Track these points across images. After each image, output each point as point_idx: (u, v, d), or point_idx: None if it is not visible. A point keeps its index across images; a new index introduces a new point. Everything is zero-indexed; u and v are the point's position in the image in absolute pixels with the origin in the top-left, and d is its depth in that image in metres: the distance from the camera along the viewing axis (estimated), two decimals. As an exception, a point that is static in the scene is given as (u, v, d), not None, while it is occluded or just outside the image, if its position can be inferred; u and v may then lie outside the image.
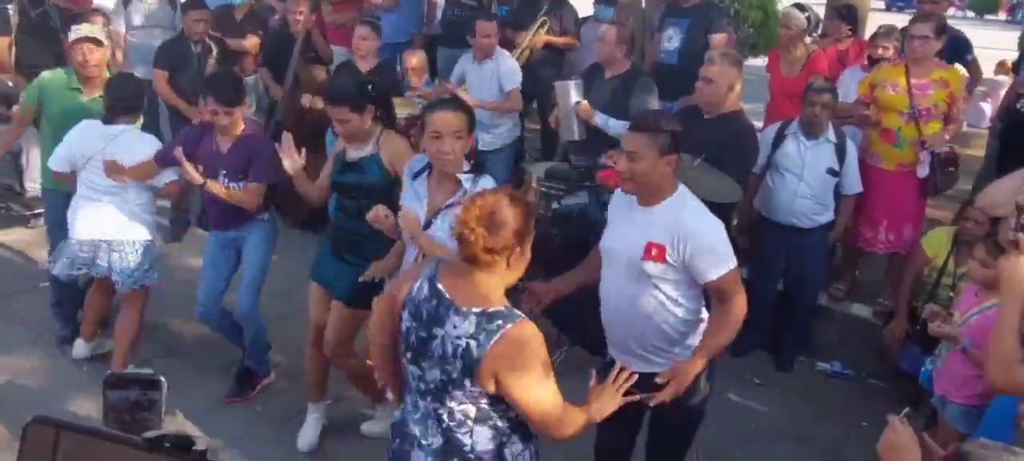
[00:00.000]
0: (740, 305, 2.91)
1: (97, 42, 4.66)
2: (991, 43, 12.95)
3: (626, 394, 2.90)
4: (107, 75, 4.75)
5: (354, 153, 3.70)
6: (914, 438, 1.92)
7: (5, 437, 3.89)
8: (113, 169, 4.19)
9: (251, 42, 6.77)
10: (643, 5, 7.29)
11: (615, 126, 5.04)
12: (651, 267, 2.85)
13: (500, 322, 2.20)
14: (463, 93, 5.77)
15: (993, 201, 3.22)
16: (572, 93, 5.16)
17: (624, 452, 3.35)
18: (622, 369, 2.45)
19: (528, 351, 2.22)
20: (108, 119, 4.29)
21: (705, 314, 3.04)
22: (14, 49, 6.71)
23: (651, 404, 2.82)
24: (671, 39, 6.03)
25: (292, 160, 3.78)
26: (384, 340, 2.54)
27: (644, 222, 2.89)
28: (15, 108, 5.97)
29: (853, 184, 4.85)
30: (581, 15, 7.02)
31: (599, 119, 5.07)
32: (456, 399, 2.28)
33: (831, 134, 4.75)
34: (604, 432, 3.26)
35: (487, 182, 3.25)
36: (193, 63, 6.06)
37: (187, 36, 6.12)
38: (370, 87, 3.65)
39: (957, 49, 5.72)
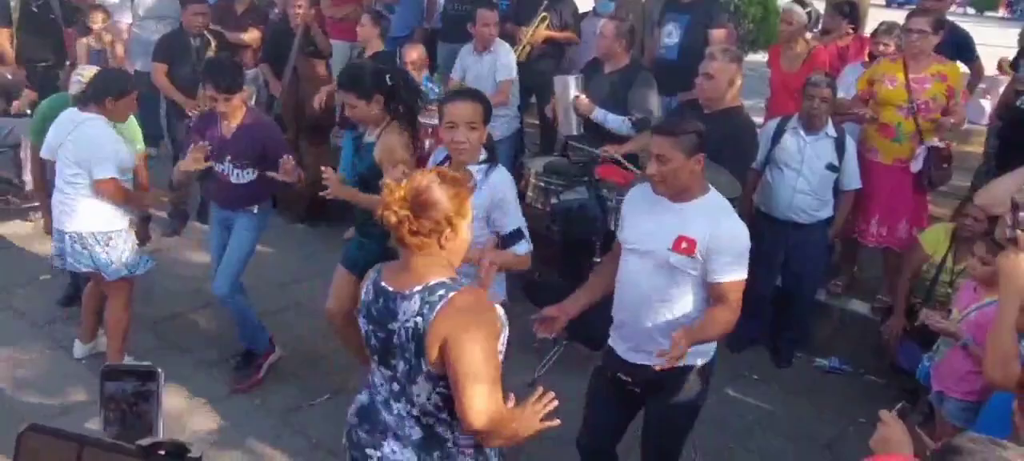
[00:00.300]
0: (735, 313, 2.94)
1: None
2: (991, 40, 12.94)
3: (624, 383, 2.92)
4: None
5: (368, 136, 3.83)
6: (907, 433, 1.93)
7: (4, 433, 3.90)
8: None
9: (251, 36, 6.77)
10: (643, 0, 7.27)
11: (614, 121, 5.04)
12: (676, 259, 2.88)
13: (442, 292, 2.16)
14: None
15: (992, 200, 3.22)
16: (571, 87, 5.15)
17: (607, 450, 3.33)
18: (545, 393, 2.27)
19: (472, 317, 2.14)
20: (82, 105, 4.25)
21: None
22: (14, 41, 6.72)
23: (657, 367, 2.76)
24: (671, 34, 6.03)
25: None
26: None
27: (676, 217, 2.92)
28: (16, 103, 5.98)
29: (852, 180, 4.85)
30: (581, 10, 7.02)
31: (598, 114, 5.06)
32: (422, 387, 2.23)
33: (830, 129, 4.75)
34: (590, 428, 3.26)
35: (500, 173, 3.28)
36: (192, 56, 6.06)
37: (186, 29, 6.12)
38: (387, 77, 3.75)
39: (960, 50, 5.72)
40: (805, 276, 5.01)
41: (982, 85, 7.82)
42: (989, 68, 9.12)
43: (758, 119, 5.41)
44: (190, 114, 5.86)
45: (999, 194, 3.18)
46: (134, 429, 1.30)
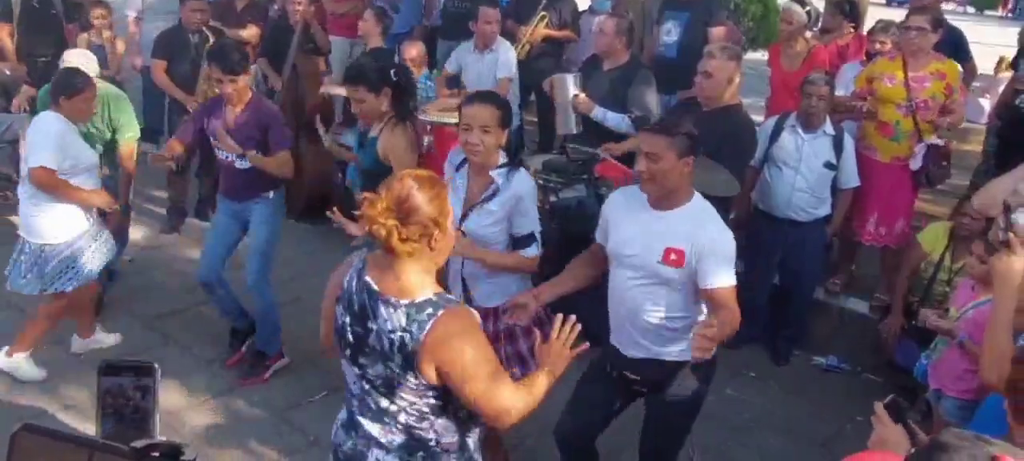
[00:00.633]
0: (736, 313, 2.90)
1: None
2: (990, 39, 12.93)
3: (623, 375, 2.91)
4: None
5: (372, 133, 3.86)
6: (904, 434, 1.93)
7: (3, 432, 3.90)
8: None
9: (251, 32, 6.77)
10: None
11: (613, 119, 5.04)
12: (667, 271, 2.87)
13: (430, 310, 2.14)
14: (447, 94, 5.79)
15: (988, 202, 3.23)
16: (570, 86, 5.15)
17: (589, 445, 3.32)
18: (565, 319, 2.33)
19: (463, 336, 2.15)
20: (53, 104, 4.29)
21: (703, 312, 3.02)
22: (15, 37, 6.71)
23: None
24: (670, 32, 6.03)
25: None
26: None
27: (660, 227, 2.90)
28: (16, 100, 5.97)
29: (850, 178, 4.85)
30: (579, 8, 7.02)
31: (598, 112, 5.06)
32: (407, 393, 2.22)
33: (829, 127, 4.76)
34: (574, 414, 3.24)
35: (521, 177, 3.27)
36: (190, 53, 6.06)
37: (185, 26, 6.11)
38: (392, 72, 3.79)
39: (954, 49, 5.72)
40: (803, 274, 5.01)
41: (979, 84, 7.82)
42: (989, 67, 9.14)
43: (758, 118, 5.41)
44: (189, 110, 5.87)
45: (996, 195, 3.19)
46: (131, 424, 1.31)
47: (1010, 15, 27.33)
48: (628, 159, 4.80)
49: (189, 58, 6.04)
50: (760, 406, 4.63)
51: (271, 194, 4.39)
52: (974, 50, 6.32)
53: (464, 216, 3.25)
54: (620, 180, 4.61)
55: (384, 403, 2.27)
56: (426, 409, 2.24)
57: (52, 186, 4.10)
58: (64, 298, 4.32)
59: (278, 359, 4.56)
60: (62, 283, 4.25)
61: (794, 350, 5.13)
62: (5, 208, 6.36)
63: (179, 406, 4.16)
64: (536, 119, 7.28)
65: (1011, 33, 8.59)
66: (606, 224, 3.14)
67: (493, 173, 3.22)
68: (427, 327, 2.12)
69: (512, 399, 2.21)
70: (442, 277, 3.33)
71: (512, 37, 6.33)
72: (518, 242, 3.27)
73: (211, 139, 4.30)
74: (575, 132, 5.16)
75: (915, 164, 4.88)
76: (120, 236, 4.95)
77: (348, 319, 2.28)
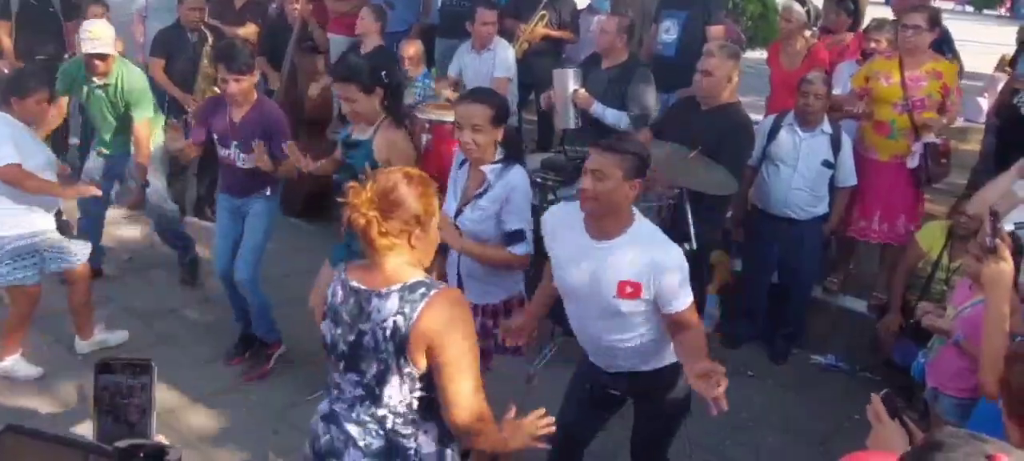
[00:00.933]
0: (701, 326, 2.83)
1: (102, 57, 4.84)
2: (990, 38, 12.96)
3: (600, 396, 2.88)
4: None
5: (357, 135, 3.80)
6: (904, 435, 1.94)
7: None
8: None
9: (249, 30, 6.76)
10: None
11: (612, 116, 5.05)
12: (626, 305, 2.74)
13: (423, 290, 2.14)
14: (451, 93, 5.78)
15: (983, 206, 3.23)
16: (570, 81, 5.16)
17: (578, 455, 3.30)
18: (545, 416, 2.30)
19: (454, 317, 2.14)
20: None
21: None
22: (13, 35, 6.70)
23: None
24: (669, 31, 6.03)
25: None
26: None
27: (607, 258, 2.74)
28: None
29: (848, 176, 4.86)
30: (578, 7, 7.02)
31: (596, 108, 5.07)
32: (398, 392, 2.20)
33: (826, 126, 4.76)
34: (564, 423, 3.15)
35: (515, 173, 3.27)
36: (189, 51, 6.05)
37: (183, 24, 6.11)
38: (383, 73, 3.73)
39: (938, 47, 5.72)
40: (801, 272, 5.02)
41: (978, 83, 7.82)
42: (987, 66, 9.15)
43: (757, 117, 5.41)
44: (188, 110, 5.87)
45: (990, 199, 3.19)
46: (127, 423, 1.30)
47: (1008, 14, 27.34)
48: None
49: (187, 56, 6.04)
50: (758, 404, 4.63)
51: (268, 191, 4.42)
52: (973, 49, 6.34)
53: (459, 211, 3.27)
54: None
55: (372, 409, 2.25)
56: (415, 405, 2.22)
57: (21, 179, 4.08)
58: (25, 293, 4.29)
59: (277, 347, 4.58)
60: (16, 277, 4.22)
61: (792, 348, 5.14)
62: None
63: (176, 405, 4.16)
64: (535, 118, 7.28)
65: (1010, 32, 8.61)
66: (548, 247, 3.00)
67: (486, 169, 3.22)
68: (420, 306, 2.12)
69: (471, 397, 2.15)
70: (440, 277, 3.35)
71: (512, 35, 6.33)
72: (508, 238, 3.26)
73: (215, 138, 4.32)
74: (574, 127, 5.17)
75: (912, 163, 4.88)
76: (139, 210, 5.10)
77: (339, 331, 2.26)
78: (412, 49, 5.99)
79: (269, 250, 4.52)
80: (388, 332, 2.14)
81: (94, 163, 5.22)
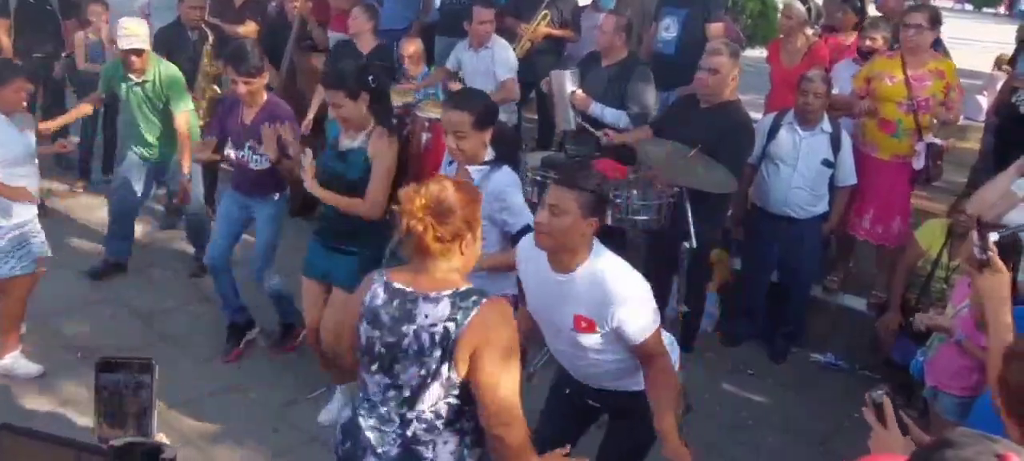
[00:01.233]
0: (666, 357, 2.76)
1: (139, 52, 4.94)
2: (989, 37, 12.95)
3: (580, 405, 2.89)
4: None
5: (346, 142, 3.75)
6: (906, 440, 1.94)
7: None
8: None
9: (249, 28, 6.75)
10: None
11: (610, 115, 5.05)
12: (584, 338, 2.74)
13: (475, 297, 2.20)
14: (455, 83, 5.78)
15: (982, 206, 3.23)
16: (567, 82, 5.16)
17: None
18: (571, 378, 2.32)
19: (504, 328, 2.20)
20: None
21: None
22: (11, 34, 6.69)
23: None
24: (668, 28, 6.02)
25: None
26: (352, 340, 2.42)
27: (565, 292, 2.71)
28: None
29: (848, 175, 4.86)
30: (580, 5, 7.01)
31: (595, 108, 5.06)
32: (431, 397, 2.22)
33: (826, 125, 4.76)
34: (542, 433, 3.04)
35: (501, 174, 3.26)
36: (189, 49, 6.04)
37: (183, 22, 6.10)
38: (371, 78, 3.69)
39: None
40: (800, 271, 5.02)
41: (977, 82, 7.83)
42: (986, 65, 9.15)
43: (756, 115, 5.41)
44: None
45: (989, 199, 3.19)
46: (129, 421, 1.30)
47: (1007, 13, 27.34)
48: (626, 155, 4.81)
49: (188, 55, 6.02)
50: (758, 403, 4.64)
51: (276, 195, 4.46)
52: (972, 48, 6.33)
53: None
54: (617, 177, 4.61)
55: (398, 412, 2.27)
56: (443, 412, 2.25)
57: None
58: (20, 283, 4.29)
59: (301, 331, 4.60)
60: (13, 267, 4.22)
61: (792, 347, 5.14)
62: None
63: (176, 403, 4.15)
64: (535, 116, 7.28)
65: (1009, 31, 8.61)
66: (520, 269, 2.98)
67: (472, 171, 3.22)
68: (472, 313, 2.17)
69: (513, 401, 2.20)
70: None
71: (513, 35, 6.32)
72: (516, 238, 3.26)
73: (228, 139, 4.39)
74: (573, 128, 5.17)
75: (918, 163, 4.88)
76: (186, 202, 5.26)
77: (377, 333, 2.28)
78: (412, 47, 5.98)
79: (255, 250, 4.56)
80: (437, 337, 2.18)
81: (131, 162, 5.31)
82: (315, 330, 3.98)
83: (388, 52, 6.14)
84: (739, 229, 5.22)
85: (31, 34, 6.73)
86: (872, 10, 6.81)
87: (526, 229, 3.24)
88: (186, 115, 5.14)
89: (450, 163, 3.42)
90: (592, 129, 4.99)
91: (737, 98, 4.52)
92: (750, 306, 5.19)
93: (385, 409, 2.30)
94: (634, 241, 5.12)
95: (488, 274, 3.30)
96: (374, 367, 2.30)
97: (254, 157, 4.28)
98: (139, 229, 6.03)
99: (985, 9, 27.20)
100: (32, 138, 4.42)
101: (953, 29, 6.10)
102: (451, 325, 2.17)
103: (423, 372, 2.22)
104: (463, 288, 2.22)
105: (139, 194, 5.33)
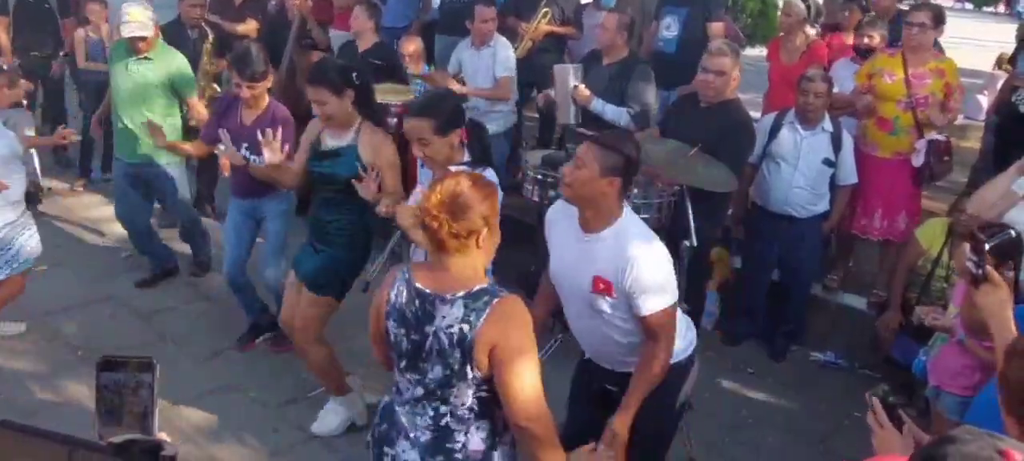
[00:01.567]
0: (668, 345, 2.75)
1: (142, 39, 4.93)
2: (989, 36, 12.96)
3: (599, 392, 2.89)
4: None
5: (331, 141, 3.70)
6: (907, 441, 1.94)
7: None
8: None
9: (249, 27, 6.75)
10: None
11: (611, 112, 5.05)
12: (600, 302, 2.75)
13: (487, 297, 2.21)
14: (455, 83, 5.77)
15: (982, 206, 3.23)
16: (570, 77, 5.15)
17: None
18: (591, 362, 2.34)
19: (518, 323, 2.22)
20: None
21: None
22: (10, 32, 6.70)
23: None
24: (669, 27, 6.02)
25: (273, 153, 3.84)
26: (383, 349, 2.48)
27: (588, 251, 2.75)
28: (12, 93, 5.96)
29: (849, 175, 4.86)
30: (581, 3, 7.01)
31: (596, 104, 5.06)
32: (460, 393, 2.26)
33: (827, 124, 4.76)
34: (571, 427, 3.11)
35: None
36: (188, 47, 6.03)
37: (183, 21, 6.10)
38: (354, 75, 3.65)
39: None
40: (801, 270, 5.02)
41: (978, 81, 7.83)
42: (987, 64, 9.16)
43: (756, 113, 5.41)
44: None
45: (989, 199, 3.18)
46: (130, 420, 1.30)
47: (1007, 12, 27.36)
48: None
49: (187, 53, 6.01)
50: (758, 402, 4.64)
51: (281, 190, 4.42)
52: (972, 47, 6.32)
53: None
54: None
55: (430, 405, 2.31)
56: (474, 405, 2.28)
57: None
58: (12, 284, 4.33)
59: None
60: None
61: (792, 346, 5.14)
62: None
63: (176, 401, 4.15)
64: (536, 115, 7.27)
65: (1009, 30, 8.62)
66: (547, 232, 3.02)
67: (451, 169, 3.17)
68: (484, 314, 2.19)
69: (534, 394, 2.23)
70: None
71: (514, 34, 6.31)
72: None
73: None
74: (574, 122, 5.17)
75: (917, 160, 4.88)
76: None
77: (403, 331, 2.32)
78: (412, 46, 5.97)
79: (265, 245, 4.54)
80: (455, 338, 2.21)
81: (120, 181, 5.28)
82: (286, 324, 4.03)
83: (388, 50, 6.13)
84: (739, 228, 5.22)
85: (29, 33, 6.74)
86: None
87: None
88: (194, 98, 5.21)
89: (423, 166, 3.36)
90: (586, 133, 4.96)
91: (737, 97, 4.52)
92: (750, 305, 5.19)
93: (417, 400, 2.34)
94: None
95: None
96: (403, 363, 2.36)
97: (252, 158, 4.25)
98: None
99: (985, 8, 27.21)
100: (14, 140, 4.40)
101: (953, 28, 6.10)
102: (466, 327, 2.19)
103: (448, 371, 2.25)
104: (475, 289, 2.23)
105: (143, 211, 5.29)
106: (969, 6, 27.26)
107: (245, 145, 4.26)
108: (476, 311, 2.19)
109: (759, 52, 8.26)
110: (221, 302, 4.98)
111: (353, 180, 3.53)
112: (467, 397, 2.28)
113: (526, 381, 2.21)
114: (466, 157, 3.25)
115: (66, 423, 3.95)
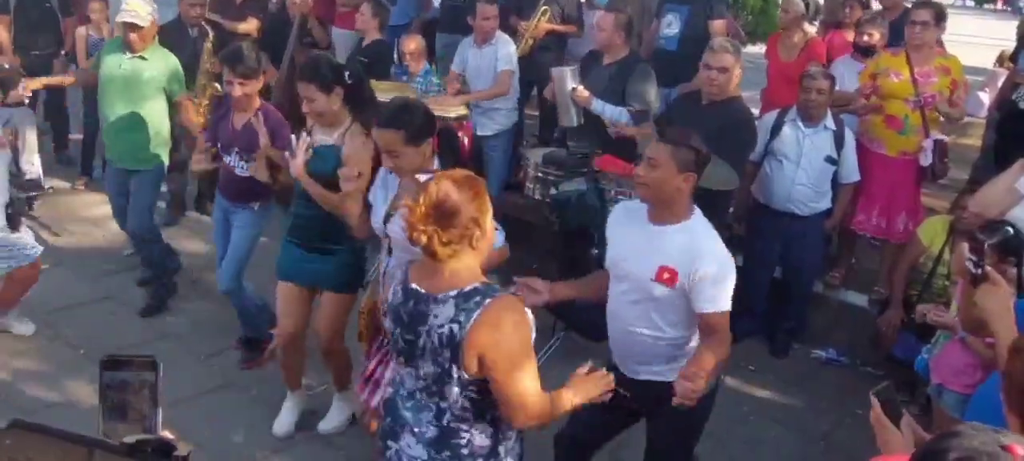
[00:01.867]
0: (726, 344, 2.80)
1: (135, 27, 4.85)
2: (989, 33, 12.95)
3: (613, 398, 2.89)
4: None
5: (319, 137, 3.66)
6: (894, 429, 1.94)
7: (1, 424, 3.89)
8: None
9: (251, 25, 6.74)
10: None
11: (612, 112, 5.04)
12: (659, 290, 2.79)
13: (478, 298, 2.17)
14: (458, 85, 5.78)
15: (985, 204, 3.22)
16: (569, 80, 5.15)
17: (586, 455, 3.28)
18: (615, 369, 2.39)
19: (510, 325, 2.17)
20: None
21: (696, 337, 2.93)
22: (11, 31, 6.69)
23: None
24: (670, 25, 6.02)
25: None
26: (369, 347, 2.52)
27: (657, 241, 2.81)
28: (11, 94, 5.96)
29: (851, 172, 4.86)
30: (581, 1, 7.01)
31: (596, 105, 5.06)
32: (452, 390, 2.25)
33: (830, 122, 4.76)
34: (577, 424, 3.11)
35: None
36: (189, 47, 6.03)
37: (184, 20, 6.09)
38: (346, 74, 3.62)
39: None
40: (803, 268, 5.02)
41: (979, 78, 7.83)
42: (988, 61, 9.14)
43: (755, 110, 5.41)
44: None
45: (992, 197, 3.18)
46: (133, 419, 1.30)
47: (1007, 9, 27.34)
48: (627, 151, 4.81)
49: (187, 53, 6.01)
50: (759, 399, 4.64)
51: (256, 205, 4.35)
52: (973, 44, 6.32)
53: (387, 217, 3.13)
54: (620, 174, 4.61)
55: (429, 402, 2.31)
56: (468, 405, 2.27)
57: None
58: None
59: (268, 342, 4.53)
60: None
61: (793, 343, 5.14)
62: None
63: (175, 400, 4.14)
64: (537, 112, 7.28)
65: (1010, 27, 8.62)
66: (609, 242, 3.05)
67: (420, 177, 3.06)
68: (475, 315, 2.15)
69: (533, 397, 2.22)
70: None
71: (514, 32, 6.31)
72: None
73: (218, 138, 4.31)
74: (576, 125, 5.17)
75: (925, 160, 4.88)
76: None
77: (398, 330, 2.31)
78: (412, 44, 5.98)
79: (267, 246, 4.54)
80: (444, 338, 2.18)
81: (114, 184, 5.24)
82: (290, 335, 3.89)
83: (381, 47, 6.14)
84: (741, 225, 5.22)
85: (30, 32, 6.73)
86: (876, 5, 6.80)
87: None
88: (182, 99, 5.15)
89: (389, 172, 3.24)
90: (607, 120, 4.95)
91: (739, 94, 4.52)
92: (752, 302, 5.18)
93: (418, 396, 2.34)
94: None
95: None
96: (401, 360, 2.36)
97: (239, 164, 4.20)
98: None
99: (986, 5, 27.19)
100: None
101: (954, 25, 6.10)
102: (455, 327, 2.16)
103: (438, 371, 2.24)
104: (467, 288, 2.19)
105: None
106: (970, 3, 27.26)
107: (236, 149, 4.20)
108: (466, 311, 2.16)
109: (760, 49, 8.25)
110: (220, 300, 4.98)
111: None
112: (458, 397, 2.26)
113: (523, 387, 2.20)
114: (436, 165, 3.14)
115: (68, 422, 3.94)
